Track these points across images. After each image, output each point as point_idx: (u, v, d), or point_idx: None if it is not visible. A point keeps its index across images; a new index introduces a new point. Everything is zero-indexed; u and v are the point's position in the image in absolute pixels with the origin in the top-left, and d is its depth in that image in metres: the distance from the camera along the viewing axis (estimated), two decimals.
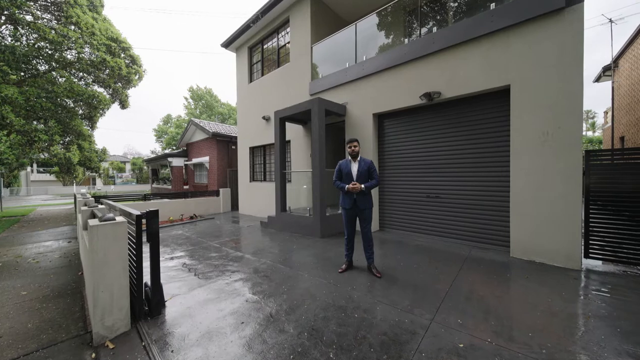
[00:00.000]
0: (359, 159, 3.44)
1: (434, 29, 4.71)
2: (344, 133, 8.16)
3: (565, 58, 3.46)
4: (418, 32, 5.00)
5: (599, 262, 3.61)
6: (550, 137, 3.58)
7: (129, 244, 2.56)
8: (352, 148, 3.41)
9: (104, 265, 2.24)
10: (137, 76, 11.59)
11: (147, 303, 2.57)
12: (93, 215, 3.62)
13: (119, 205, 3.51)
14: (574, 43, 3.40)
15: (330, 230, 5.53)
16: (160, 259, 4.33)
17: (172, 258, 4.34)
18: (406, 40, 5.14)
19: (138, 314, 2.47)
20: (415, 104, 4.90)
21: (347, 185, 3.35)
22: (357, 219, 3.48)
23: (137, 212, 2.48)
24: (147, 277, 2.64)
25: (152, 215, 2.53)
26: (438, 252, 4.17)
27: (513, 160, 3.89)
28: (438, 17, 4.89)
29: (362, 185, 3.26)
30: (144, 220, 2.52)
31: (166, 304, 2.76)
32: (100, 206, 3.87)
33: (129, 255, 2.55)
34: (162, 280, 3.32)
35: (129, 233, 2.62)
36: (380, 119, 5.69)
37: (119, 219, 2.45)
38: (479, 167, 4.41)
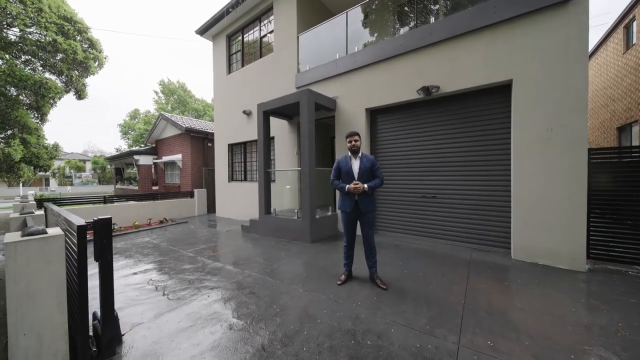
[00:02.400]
0: (360, 155, 3.03)
1: (432, 19, 4.46)
2: (331, 130, 7.76)
3: (570, 52, 3.33)
4: (414, 23, 4.72)
5: (601, 263, 3.53)
6: (554, 135, 3.44)
7: (69, 264, 1.92)
8: (353, 142, 2.99)
9: (27, 298, 1.60)
10: (96, 63, 10.26)
11: (97, 341, 1.94)
12: (26, 226, 2.85)
13: (64, 211, 2.78)
14: (579, 37, 3.28)
15: (321, 235, 5.09)
16: (122, 274, 3.61)
17: (135, 273, 3.62)
18: (402, 30, 4.84)
19: (82, 359, 1.83)
20: (412, 98, 4.62)
21: (347, 185, 2.92)
22: (358, 223, 3.07)
23: (81, 222, 1.85)
24: (96, 301, 2.01)
25: (102, 225, 1.90)
26: (439, 257, 3.90)
27: (515, 158, 3.72)
28: (435, 7, 4.64)
29: (365, 185, 2.86)
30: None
31: (124, 338, 2.14)
32: (37, 213, 3.09)
33: (69, 279, 1.91)
34: (120, 305, 2.67)
35: (70, 249, 1.97)
36: (373, 114, 5.36)
37: (53, 231, 1.80)
38: (478, 165, 4.22)
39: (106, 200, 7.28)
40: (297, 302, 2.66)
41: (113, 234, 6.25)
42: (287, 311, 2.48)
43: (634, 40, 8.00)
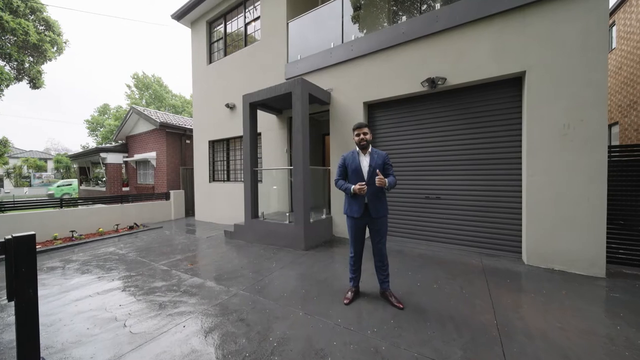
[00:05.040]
0: (370, 150, 2.58)
1: (437, 6, 4.12)
2: (323, 127, 7.30)
3: (589, 42, 3.10)
4: (418, 9, 4.37)
5: (614, 266, 3.34)
6: (572, 131, 3.20)
7: None
8: (362, 135, 2.53)
9: None
10: (54, 48, 9.04)
11: None
12: None
13: None
14: (599, 26, 3.06)
15: (316, 241, 4.59)
16: (72, 297, 2.90)
17: (90, 296, 2.92)
18: (404, 17, 4.47)
19: None
20: (415, 91, 4.26)
21: (352, 186, 2.46)
22: (368, 230, 2.61)
23: None
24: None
25: (20, 246, 1.29)
26: (449, 264, 3.55)
27: (529, 157, 3.45)
28: None
29: (386, 180, 2.39)
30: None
31: None
32: None
33: None
34: (63, 345, 2.02)
35: None
36: (372, 109, 4.95)
37: None
38: (485, 164, 3.93)
39: (63, 203, 6.29)
40: (298, 330, 2.15)
41: (71, 243, 5.35)
42: (288, 345, 1.97)
43: (614, 45, 8.29)
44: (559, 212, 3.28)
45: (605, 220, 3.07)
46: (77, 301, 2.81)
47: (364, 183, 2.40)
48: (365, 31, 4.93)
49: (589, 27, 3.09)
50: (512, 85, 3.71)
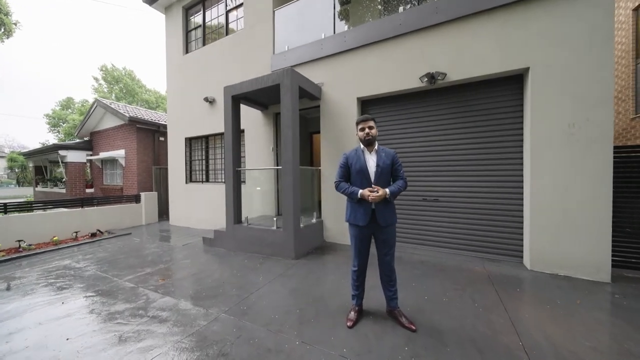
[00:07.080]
0: (376, 148, 2.24)
1: None
2: (311, 124, 6.92)
3: (594, 39, 2.99)
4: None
5: (614, 270, 3.28)
6: (577, 130, 3.08)
7: None
8: (367, 130, 2.19)
9: None
10: (1, 29, 7.88)
11: None
12: None
13: None
14: (605, 22, 2.95)
15: (306, 248, 4.20)
16: (4, 331, 2.28)
17: (29, 327, 2.32)
18: (401, 8, 4.21)
19: None
20: (412, 87, 4.01)
21: (360, 190, 2.11)
22: (374, 240, 2.28)
23: None
24: None
25: None
26: (452, 271, 3.31)
27: (532, 157, 3.30)
28: None
29: (387, 191, 2.08)
30: None
31: None
32: None
33: None
34: None
35: None
36: (365, 105, 4.64)
37: None
38: (485, 165, 3.76)
39: (8, 208, 5.38)
40: None
41: (17, 255, 4.53)
42: None
43: None
44: (564, 215, 3.14)
45: (610, 223, 2.97)
46: (10, 335, 2.22)
47: (375, 189, 2.06)
48: (359, 22, 4.62)
49: (594, 23, 2.98)
50: (514, 82, 3.55)
